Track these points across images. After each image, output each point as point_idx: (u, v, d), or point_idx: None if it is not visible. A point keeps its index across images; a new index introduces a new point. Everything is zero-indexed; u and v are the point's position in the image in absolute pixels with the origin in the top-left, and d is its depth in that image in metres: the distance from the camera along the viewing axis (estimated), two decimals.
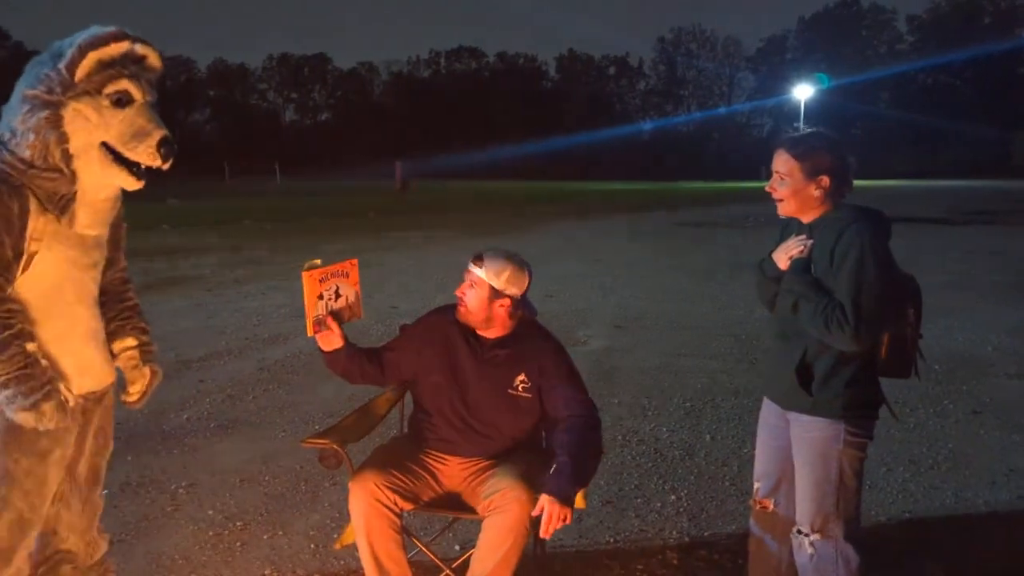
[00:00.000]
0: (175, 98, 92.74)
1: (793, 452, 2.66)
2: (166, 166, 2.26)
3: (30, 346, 2.15)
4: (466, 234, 19.07)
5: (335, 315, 2.87)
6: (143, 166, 2.23)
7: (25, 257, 2.16)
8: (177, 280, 11.61)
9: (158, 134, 2.20)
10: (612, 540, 3.64)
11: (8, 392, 2.11)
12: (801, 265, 2.57)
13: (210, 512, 3.90)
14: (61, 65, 2.13)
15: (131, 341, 2.51)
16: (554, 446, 2.79)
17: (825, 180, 2.53)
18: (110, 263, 2.48)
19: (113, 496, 3.97)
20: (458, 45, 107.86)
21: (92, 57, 2.12)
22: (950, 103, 75.44)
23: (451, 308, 3.01)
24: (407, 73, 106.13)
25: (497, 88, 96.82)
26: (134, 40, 2.20)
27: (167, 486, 4.21)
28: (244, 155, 77.42)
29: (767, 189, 2.63)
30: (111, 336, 2.47)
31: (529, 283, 2.91)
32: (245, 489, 4.19)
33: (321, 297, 2.83)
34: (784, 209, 2.62)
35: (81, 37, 2.15)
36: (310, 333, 2.85)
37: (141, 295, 2.61)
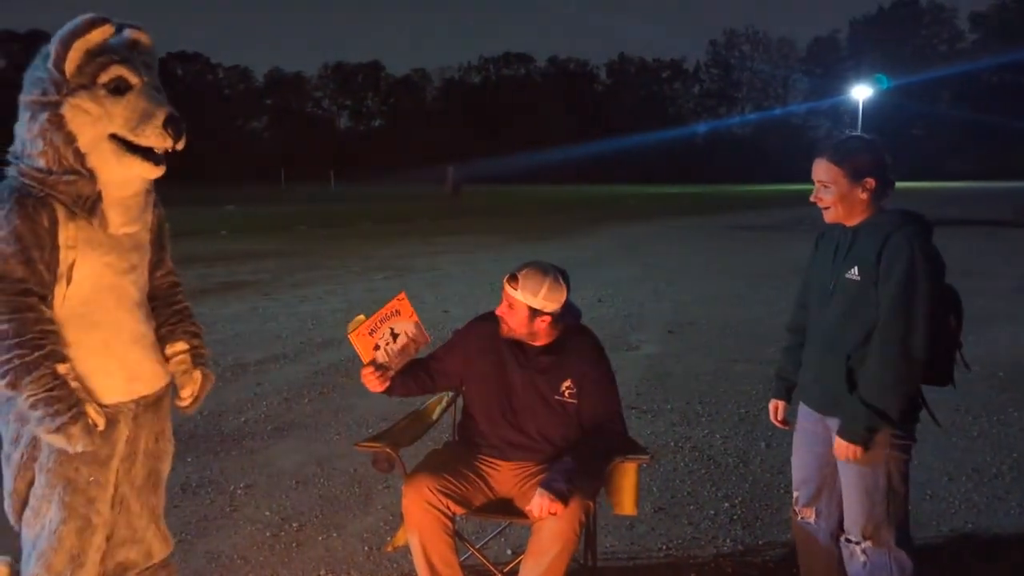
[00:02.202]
0: (234, 106, 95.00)
1: (837, 460, 2.62)
2: (179, 145, 2.19)
3: (61, 367, 2.11)
4: (517, 238, 19.12)
5: (401, 354, 2.93)
6: (158, 151, 2.17)
7: (64, 268, 2.14)
8: (235, 285, 11.84)
9: (162, 113, 2.13)
10: (664, 547, 3.61)
11: (37, 413, 2.08)
12: None
13: (267, 513, 3.98)
14: (50, 64, 2.09)
15: (182, 345, 2.49)
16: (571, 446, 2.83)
17: (870, 182, 2.50)
18: (156, 265, 2.47)
19: (174, 496, 4.07)
20: (509, 51, 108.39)
21: (77, 48, 2.07)
22: (1016, 102, 73.14)
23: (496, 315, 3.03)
24: (459, 79, 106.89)
25: (548, 92, 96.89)
26: (118, 24, 2.15)
27: (226, 487, 4.31)
28: (300, 162, 78.69)
29: (812, 200, 2.61)
30: (162, 341, 2.46)
31: (568, 290, 2.86)
32: (300, 491, 4.26)
33: (378, 347, 2.86)
34: (831, 216, 2.59)
35: (60, 31, 2.09)
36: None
37: (200, 300, 2.64)
